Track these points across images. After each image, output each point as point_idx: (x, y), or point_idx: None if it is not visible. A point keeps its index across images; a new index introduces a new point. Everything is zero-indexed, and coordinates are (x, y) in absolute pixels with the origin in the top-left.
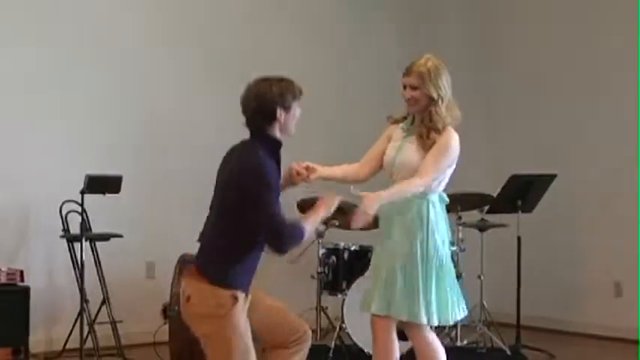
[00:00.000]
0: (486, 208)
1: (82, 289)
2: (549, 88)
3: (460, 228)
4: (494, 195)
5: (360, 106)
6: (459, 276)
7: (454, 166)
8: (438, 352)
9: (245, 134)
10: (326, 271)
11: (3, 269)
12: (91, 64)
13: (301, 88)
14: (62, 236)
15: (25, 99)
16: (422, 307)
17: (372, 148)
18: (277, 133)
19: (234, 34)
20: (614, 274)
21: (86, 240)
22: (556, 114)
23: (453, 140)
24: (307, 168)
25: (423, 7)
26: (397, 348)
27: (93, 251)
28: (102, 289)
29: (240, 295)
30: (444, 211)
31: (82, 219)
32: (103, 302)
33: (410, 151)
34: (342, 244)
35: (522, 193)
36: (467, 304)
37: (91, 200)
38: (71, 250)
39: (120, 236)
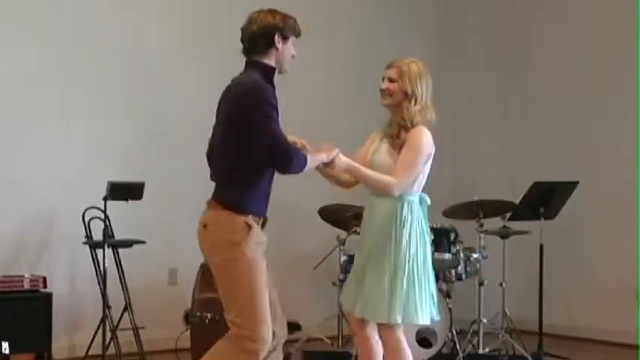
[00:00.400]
0: (508, 215)
1: (104, 296)
2: (571, 91)
3: (482, 235)
4: (516, 202)
5: (378, 102)
6: (480, 283)
7: (430, 163)
8: (404, 354)
9: None
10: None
11: (26, 276)
12: (105, 65)
13: (301, 30)
14: (85, 243)
15: (44, 100)
16: (381, 307)
17: (358, 153)
18: (272, 63)
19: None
20: (637, 281)
21: (109, 246)
22: (574, 119)
23: (423, 137)
24: (303, 146)
25: (444, 6)
26: (378, 347)
27: (115, 258)
28: (124, 295)
29: (255, 223)
30: (424, 212)
31: (105, 225)
32: (126, 309)
33: (383, 152)
34: None
35: (545, 200)
36: (480, 311)
37: (113, 207)
38: (94, 256)
39: (142, 242)
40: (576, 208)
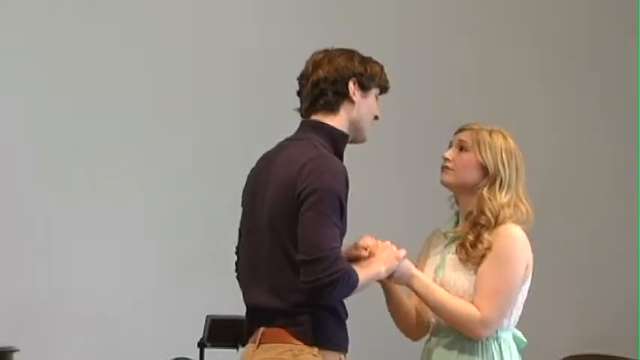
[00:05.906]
0: None
1: None
2: None
3: None
4: None
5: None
6: None
7: (528, 283)
8: None
9: None
10: None
11: None
12: None
13: (388, 83)
14: None
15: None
16: None
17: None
18: (343, 128)
19: None
20: None
21: None
22: None
23: (517, 242)
24: (364, 246)
25: None
26: None
27: None
28: None
29: None
30: (520, 356)
31: None
32: None
33: (451, 268)
34: None
35: None
36: None
37: (214, 357)
38: None
39: None
40: None
